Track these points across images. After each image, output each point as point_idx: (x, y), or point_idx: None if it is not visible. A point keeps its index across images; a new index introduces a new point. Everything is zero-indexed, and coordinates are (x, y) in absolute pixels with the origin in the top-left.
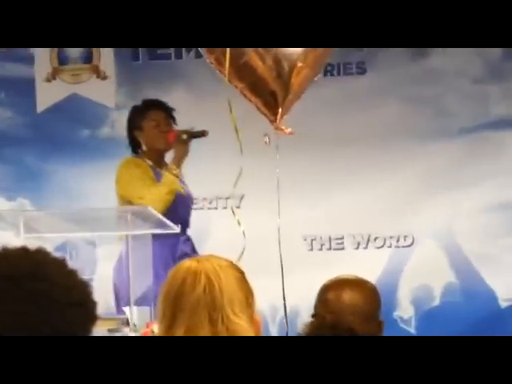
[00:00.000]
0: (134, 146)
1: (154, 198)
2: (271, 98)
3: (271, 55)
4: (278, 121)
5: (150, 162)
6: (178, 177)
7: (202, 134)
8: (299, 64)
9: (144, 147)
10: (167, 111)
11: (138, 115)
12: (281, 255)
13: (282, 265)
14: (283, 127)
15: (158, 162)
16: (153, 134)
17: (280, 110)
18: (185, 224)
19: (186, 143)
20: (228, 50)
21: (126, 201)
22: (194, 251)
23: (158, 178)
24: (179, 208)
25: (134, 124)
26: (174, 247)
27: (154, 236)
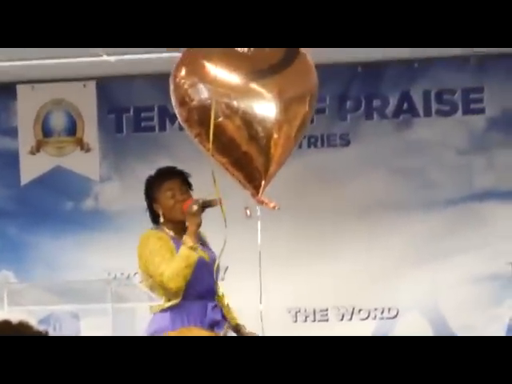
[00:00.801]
0: (154, 216)
1: (173, 273)
2: (254, 172)
3: (247, 124)
4: (260, 194)
5: (171, 233)
6: (194, 249)
7: (212, 202)
8: (275, 135)
9: (162, 218)
10: (182, 178)
11: (153, 186)
12: (262, 326)
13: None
14: (266, 201)
15: (179, 232)
16: (169, 205)
17: (263, 182)
18: (212, 291)
19: (197, 214)
20: (211, 126)
21: (148, 277)
22: (223, 318)
23: (178, 248)
24: (204, 275)
25: (150, 196)
26: (204, 315)
27: (183, 305)
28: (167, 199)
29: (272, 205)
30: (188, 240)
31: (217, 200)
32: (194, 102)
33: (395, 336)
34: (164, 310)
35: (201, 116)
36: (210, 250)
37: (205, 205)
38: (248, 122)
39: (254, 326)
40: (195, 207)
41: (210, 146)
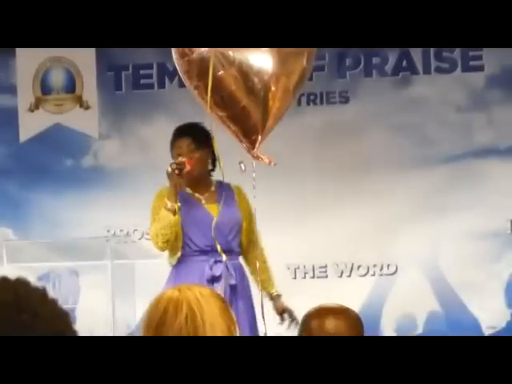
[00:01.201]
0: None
1: (152, 234)
2: (251, 126)
3: (244, 76)
4: (256, 149)
5: (187, 190)
6: (171, 210)
7: (180, 164)
8: (273, 88)
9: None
10: (193, 137)
11: (171, 145)
12: (259, 281)
13: (261, 294)
14: (262, 156)
15: (196, 189)
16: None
17: (259, 137)
18: (223, 246)
19: (172, 175)
20: (210, 81)
21: None
22: (227, 271)
23: (183, 206)
24: (207, 231)
25: (171, 154)
26: (202, 271)
27: (185, 261)
28: (175, 158)
29: (267, 160)
30: (166, 201)
31: (183, 161)
32: (194, 55)
33: (395, 336)
34: (173, 266)
35: (200, 68)
36: (231, 207)
37: (175, 167)
38: (244, 73)
39: (253, 283)
40: (168, 169)
41: (208, 99)
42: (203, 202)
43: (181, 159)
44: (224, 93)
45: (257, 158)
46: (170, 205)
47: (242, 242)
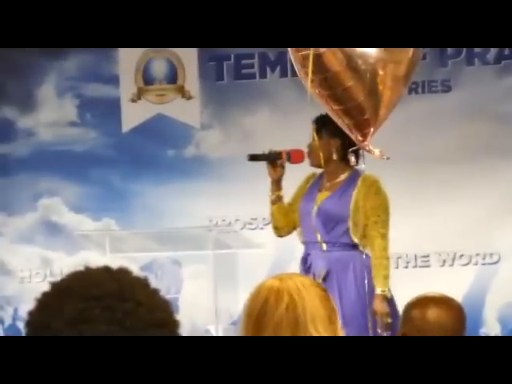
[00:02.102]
0: None
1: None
2: (363, 119)
3: (348, 57)
4: (368, 141)
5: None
6: (270, 198)
7: (269, 157)
8: (380, 72)
9: None
10: (316, 126)
11: None
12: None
13: (366, 284)
14: (372, 148)
15: (327, 177)
16: None
17: (372, 129)
18: (323, 236)
19: (268, 166)
20: (311, 57)
21: None
22: (323, 262)
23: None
24: (308, 223)
25: None
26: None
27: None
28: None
29: (379, 153)
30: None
31: (276, 152)
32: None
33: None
34: None
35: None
36: (343, 196)
37: (253, 158)
38: (348, 54)
39: None
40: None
41: (310, 75)
42: (323, 189)
43: (275, 150)
44: (328, 73)
45: (368, 150)
46: (270, 194)
47: (357, 234)
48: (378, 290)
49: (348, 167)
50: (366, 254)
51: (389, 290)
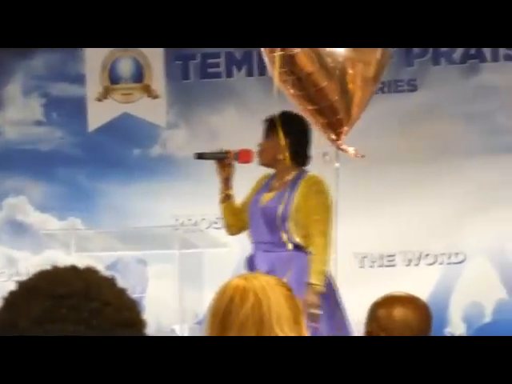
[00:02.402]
0: None
1: None
2: (336, 119)
3: (318, 56)
4: (342, 140)
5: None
6: (220, 198)
7: (213, 156)
8: (350, 71)
9: None
10: (266, 125)
11: None
12: (336, 271)
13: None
14: (346, 147)
15: (276, 177)
16: None
17: (345, 128)
18: (266, 238)
19: (217, 165)
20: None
21: None
22: (263, 263)
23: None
24: (257, 223)
25: None
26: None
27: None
28: None
29: (353, 152)
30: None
31: (224, 152)
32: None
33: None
34: None
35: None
36: (285, 197)
37: (201, 157)
38: (319, 54)
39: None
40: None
41: (276, 74)
42: (272, 189)
43: (222, 150)
44: (302, 73)
45: (343, 149)
46: (219, 192)
47: (298, 234)
48: (310, 282)
49: (296, 168)
50: (310, 253)
51: (324, 286)
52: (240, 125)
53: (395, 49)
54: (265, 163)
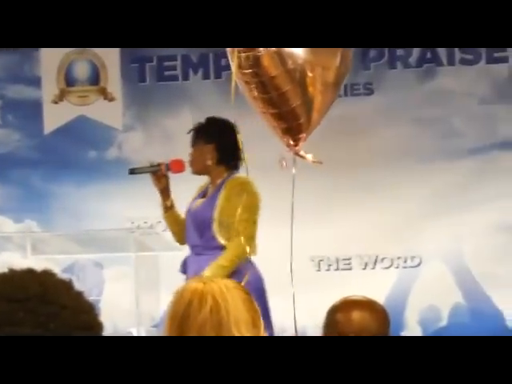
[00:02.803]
0: None
1: None
2: (296, 124)
3: (280, 56)
4: (300, 146)
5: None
6: (162, 210)
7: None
8: (309, 74)
9: None
10: (192, 135)
11: None
12: (292, 276)
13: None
14: (304, 153)
15: (211, 183)
16: None
17: (304, 135)
18: (195, 242)
19: (152, 177)
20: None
21: None
22: (197, 266)
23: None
24: (190, 227)
25: None
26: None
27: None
28: None
29: (312, 159)
30: None
31: (155, 164)
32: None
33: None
34: None
35: (249, 62)
36: (211, 201)
37: (133, 172)
38: (280, 55)
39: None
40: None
41: (233, 76)
42: (203, 196)
43: (154, 163)
44: (275, 92)
45: (301, 156)
46: (161, 203)
47: (224, 236)
48: (204, 273)
49: (225, 172)
50: None
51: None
52: None
53: (352, 52)
54: (196, 171)
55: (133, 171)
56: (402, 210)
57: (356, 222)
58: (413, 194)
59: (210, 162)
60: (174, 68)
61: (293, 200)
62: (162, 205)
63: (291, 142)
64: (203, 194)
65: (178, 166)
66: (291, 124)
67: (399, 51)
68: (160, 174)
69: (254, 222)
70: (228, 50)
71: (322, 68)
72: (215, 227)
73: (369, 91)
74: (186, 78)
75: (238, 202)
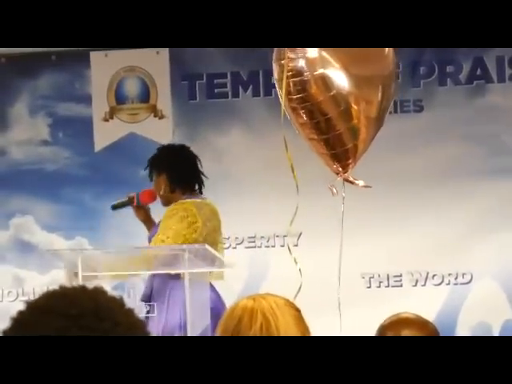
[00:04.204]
0: None
1: None
2: (343, 150)
3: (325, 84)
4: (349, 172)
5: None
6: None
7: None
8: (354, 106)
9: None
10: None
11: None
12: (339, 293)
13: (339, 303)
14: (352, 179)
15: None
16: None
17: (351, 161)
18: None
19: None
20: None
21: None
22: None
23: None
24: None
25: None
26: None
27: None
28: None
29: (361, 184)
30: None
31: (127, 197)
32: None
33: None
34: None
35: (296, 86)
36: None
37: (115, 208)
38: (325, 82)
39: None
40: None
41: (283, 100)
42: None
43: (128, 195)
44: (321, 118)
45: (351, 181)
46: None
47: None
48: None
49: (182, 198)
50: None
51: None
52: (246, 145)
53: (401, 69)
54: (162, 202)
55: (114, 207)
56: (453, 227)
57: (407, 239)
58: (464, 210)
59: (162, 192)
60: (224, 85)
61: (342, 218)
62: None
63: (339, 169)
64: None
65: (147, 197)
66: (338, 150)
67: (449, 68)
68: (135, 206)
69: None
70: (275, 76)
71: (366, 102)
72: None
73: (419, 108)
74: (235, 95)
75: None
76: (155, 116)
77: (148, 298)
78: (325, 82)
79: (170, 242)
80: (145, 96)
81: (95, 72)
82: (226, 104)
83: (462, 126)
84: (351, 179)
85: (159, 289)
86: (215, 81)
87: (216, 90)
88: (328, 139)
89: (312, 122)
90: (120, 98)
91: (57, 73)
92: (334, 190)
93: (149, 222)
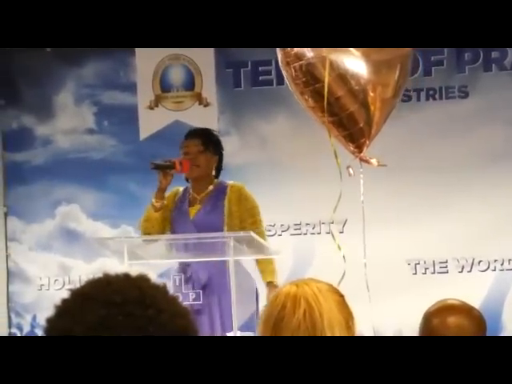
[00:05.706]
0: None
1: (138, 223)
2: (357, 129)
3: (342, 78)
4: (364, 152)
5: (190, 190)
6: (153, 205)
7: (162, 166)
8: (371, 94)
9: None
10: (202, 140)
11: (181, 144)
12: (367, 280)
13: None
14: (368, 158)
15: (195, 189)
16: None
17: (367, 141)
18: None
19: (159, 174)
20: (326, 84)
21: None
22: (196, 274)
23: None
24: (182, 231)
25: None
26: None
27: None
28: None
29: (374, 162)
30: (152, 196)
31: (172, 162)
32: (301, 61)
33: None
34: None
35: (306, 75)
36: (214, 208)
37: (157, 167)
38: (343, 76)
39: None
40: (151, 165)
41: (325, 103)
42: (194, 202)
43: (170, 160)
44: (331, 98)
45: (366, 160)
46: (154, 201)
47: None
48: (268, 281)
49: (213, 180)
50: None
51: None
52: (290, 132)
53: (446, 55)
54: (196, 177)
55: (155, 166)
56: (498, 212)
57: (453, 225)
58: (508, 196)
59: (214, 173)
60: (268, 73)
61: (363, 204)
62: (157, 203)
63: (354, 149)
64: (187, 202)
65: (186, 167)
66: (351, 130)
67: (494, 53)
68: (169, 173)
69: (261, 222)
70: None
71: (382, 86)
72: (226, 231)
73: (464, 94)
74: (280, 82)
75: (249, 204)
76: (200, 104)
77: (201, 287)
78: (343, 76)
79: None
80: (190, 84)
81: (140, 60)
82: (271, 91)
83: (506, 111)
84: (366, 158)
85: (213, 278)
86: (260, 68)
87: (261, 78)
88: (340, 120)
89: (322, 104)
90: (165, 86)
91: (102, 61)
92: (351, 170)
93: (163, 192)
